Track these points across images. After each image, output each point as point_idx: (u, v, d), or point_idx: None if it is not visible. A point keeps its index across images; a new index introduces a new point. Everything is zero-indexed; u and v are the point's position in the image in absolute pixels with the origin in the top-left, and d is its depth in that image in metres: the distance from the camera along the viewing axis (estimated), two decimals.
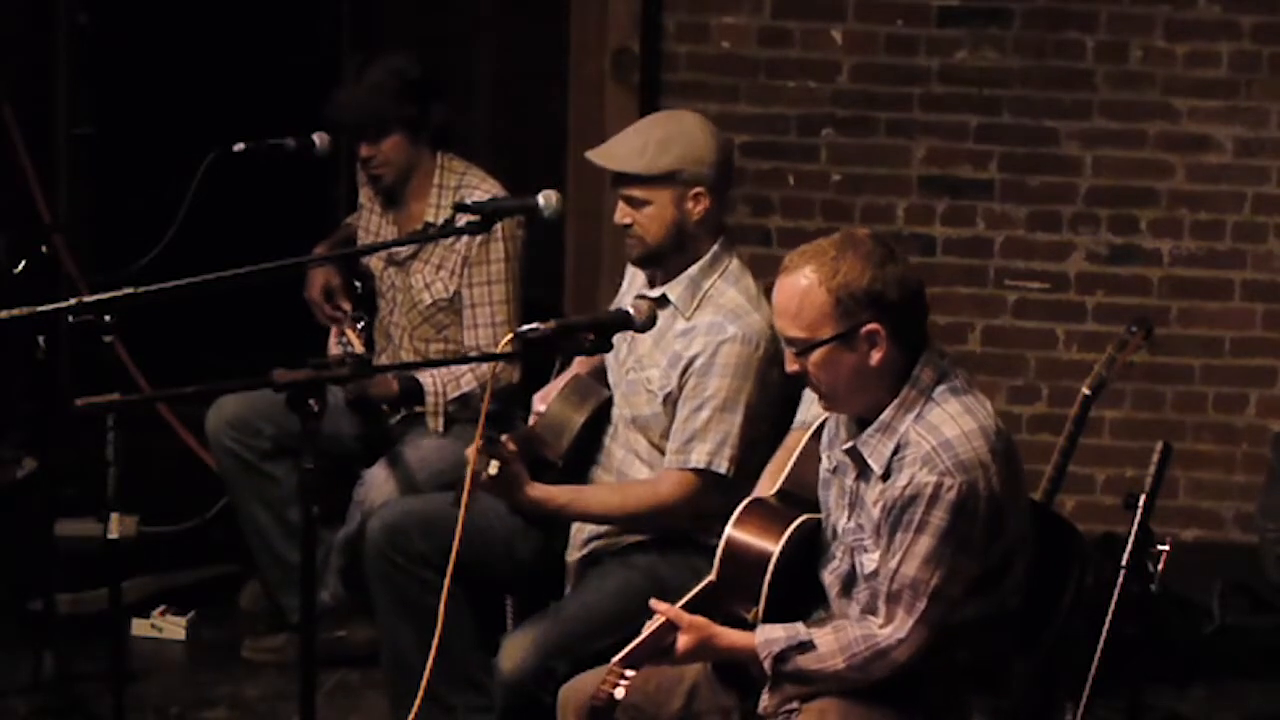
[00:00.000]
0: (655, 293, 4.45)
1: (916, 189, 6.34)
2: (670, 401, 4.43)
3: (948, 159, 6.32)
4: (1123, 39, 6.23)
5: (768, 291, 3.92)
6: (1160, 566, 4.39)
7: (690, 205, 4.42)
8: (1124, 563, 4.38)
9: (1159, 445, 4.51)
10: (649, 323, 4.01)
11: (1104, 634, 4.37)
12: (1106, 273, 6.31)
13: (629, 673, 3.72)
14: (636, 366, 4.50)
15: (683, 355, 4.40)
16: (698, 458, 4.37)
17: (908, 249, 6.24)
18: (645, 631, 3.80)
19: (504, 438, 4.29)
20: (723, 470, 4.37)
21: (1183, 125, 6.24)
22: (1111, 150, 6.27)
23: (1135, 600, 4.38)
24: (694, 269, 4.45)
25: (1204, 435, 6.31)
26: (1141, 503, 4.41)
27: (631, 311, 3.98)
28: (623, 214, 4.45)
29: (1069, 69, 6.25)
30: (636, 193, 4.41)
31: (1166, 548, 4.40)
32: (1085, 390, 5.10)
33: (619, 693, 3.69)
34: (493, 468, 4.21)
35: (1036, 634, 3.86)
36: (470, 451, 4.24)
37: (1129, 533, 4.40)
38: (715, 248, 4.47)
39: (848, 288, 3.70)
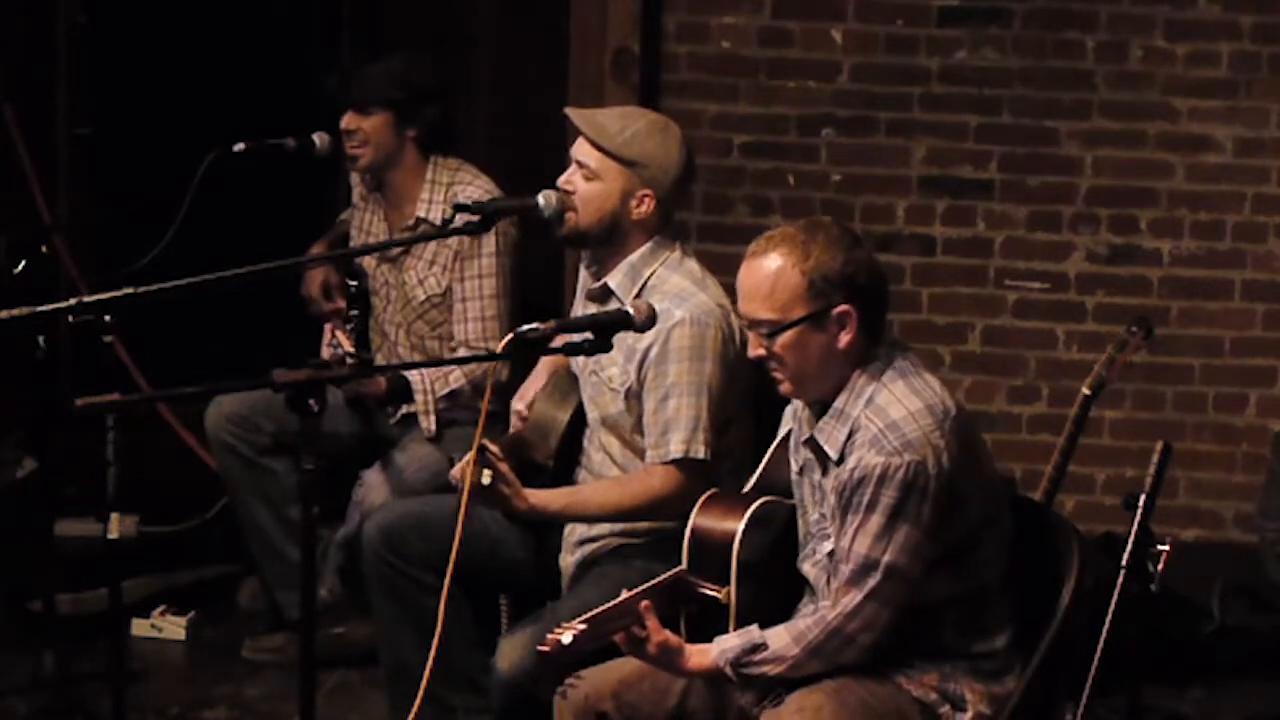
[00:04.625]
0: (598, 285, 4.49)
1: (916, 189, 6.34)
2: (633, 396, 4.44)
3: (948, 159, 6.32)
4: (1123, 39, 6.23)
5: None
6: (1160, 566, 4.39)
7: (634, 203, 4.44)
8: (1124, 563, 4.38)
9: (1159, 445, 4.50)
10: (648, 322, 4.00)
11: (1104, 634, 4.37)
12: (1106, 273, 6.31)
13: (580, 626, 3.70)
14: (597, 367, 4.50)
15: (636, 348, 4.40)
16: (675, 448, 4.36)
17: (907, 249, 6.26)
18: (610, 603, 3.80)
19: (492, 447, 4.28)
20: (701, 455, 4.36)
21: (1183, 125, 6.24)
22: (1111, 150, 6.27)
23: (1135, 600, 4.38)
24: (634, 256, 4.47)
25: (1204, 435, 6.31)
26: (1141, 503, 4.41)
27: (631, 311, 3.98)
28: (568, 179, 4.47)
29: (1069, 69, 6.25)
30: (593, 162, 4.43)
31: (1166, 548, 4.39)
32: (1085, 390, 5.10)
33: (566, 638, 3.66)
34: (485, 477, 4.21)
35: (1036, 634, 3.86)
36: (459, 468, 4.24)
37: (1129, 533, 4.40)
38: (655, 239, 4.47)
39: (820, 269, 3.74)
